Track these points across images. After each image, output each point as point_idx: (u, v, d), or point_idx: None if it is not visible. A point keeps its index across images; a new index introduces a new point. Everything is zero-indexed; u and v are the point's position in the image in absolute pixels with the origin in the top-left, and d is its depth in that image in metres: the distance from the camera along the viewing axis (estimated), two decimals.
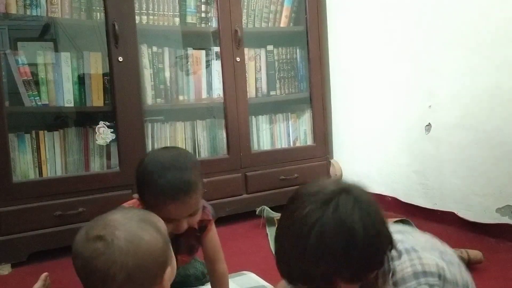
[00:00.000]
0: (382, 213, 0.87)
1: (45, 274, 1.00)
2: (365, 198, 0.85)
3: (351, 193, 0.84)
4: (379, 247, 0.85)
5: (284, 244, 0.86)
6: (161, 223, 0.86)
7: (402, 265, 0.90)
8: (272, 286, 1.40)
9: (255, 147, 2.46)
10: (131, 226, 0.79)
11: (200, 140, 2.33)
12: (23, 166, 1.91)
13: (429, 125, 2.13)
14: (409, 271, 0.88)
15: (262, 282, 1.53)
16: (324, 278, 0.83)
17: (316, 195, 0.84)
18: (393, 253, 0.91)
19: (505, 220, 1.84)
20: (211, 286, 1.33)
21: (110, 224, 0.79)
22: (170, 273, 0.84)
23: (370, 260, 0.84)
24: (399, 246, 0.91)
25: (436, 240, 1.01)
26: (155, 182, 1.11)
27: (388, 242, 0.87)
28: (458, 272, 0.95)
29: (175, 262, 0.89)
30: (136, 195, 1.20)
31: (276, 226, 0.88)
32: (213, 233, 1.33)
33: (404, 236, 0.95)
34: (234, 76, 2.32)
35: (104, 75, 2.06)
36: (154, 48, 2.21)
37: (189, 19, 2.31)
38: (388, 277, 0.90)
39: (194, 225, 1.22)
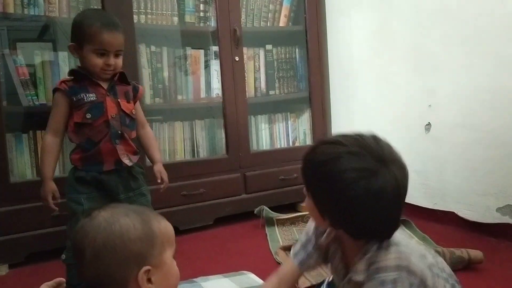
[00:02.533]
0: (402, 201, 0.91)
1: (62, 279, 0.99)
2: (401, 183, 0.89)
3: (391, 170, 0.89)
4: (383, 221, 0.90)
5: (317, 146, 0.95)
6: (154, 220, 0.84)
7: (388, 255, 0.90)
8: None
9: (254, 147, 2.45)
10: (118, 211, 0.83)
11: (199, 140, 2.32)
12: (21, 166, 1.90)
13: (429, 124, 2.13)
14: (393, 262, 0.89)
15: (261, 282, 1.51)
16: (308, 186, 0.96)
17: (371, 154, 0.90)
18: (383, 243, 0.92)
19: (506, 219, 1.83)
20: (145, 148, 1.67)
21: (106, 206, 0.84)
22: (160, 281, 0.81)
23: (340, 215, 0.91)
24: (392, 238, 0.92)
25: (429, 254, 1.02)
26: (94, 17, 1.48)
27: (393, 226, 0.91)
28: (442, 286, 0.96)
29: (176, 279, 0.87)
30: (70, 44, 1.49)
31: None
32: (139, 106, 1.68)
33: (400, 235, 0.96)
34: (233, 76, 2.31)
35: None
36: (153, 48, 2.21)
37: (188, 19, 2.30)
38: (371, 262, 0.91)
39: (118, 67, 1.51)
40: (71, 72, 1.54)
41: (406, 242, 0.96)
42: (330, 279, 1.27)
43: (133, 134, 1.59)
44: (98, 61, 1.46)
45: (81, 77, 1.50)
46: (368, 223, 0.89)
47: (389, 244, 0.92)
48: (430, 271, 0.94)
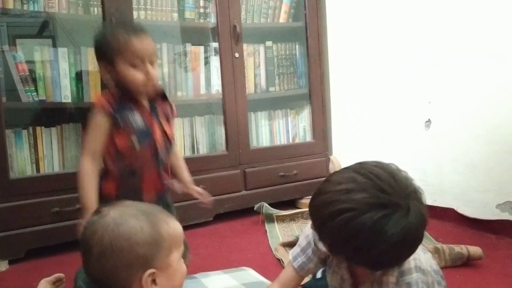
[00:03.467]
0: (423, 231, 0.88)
1: (62, 275, 0.99)
2: (411, 227, 0.85)
3: (408, 213, 0.83)
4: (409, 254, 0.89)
5: (320, 197, 0.88)
6: (163, 222, 0.83)
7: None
8: (270, 282, 1.39)
9: (254, 143, 2.45)
10: (128, 211, 0.82)
11: (199, 136, 2.32)
12: (20, 163, 1.90)
13: (429, 121, 2.13)
14: (412, 264, 0.92)
15: (261, 278, 1.52)
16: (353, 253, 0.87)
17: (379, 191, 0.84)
18: None
19: (505, 216, 1.83)
20: (174, 169, 1.49)
21: (116, 204, 0.84)
22: (165, 283, 0.82)
23: (397, 261, 0.90)
24: None
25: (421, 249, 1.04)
26: (120, 27, 1.34)
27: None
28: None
29: (181, 279, 0.87)
30: (100, 65, 1.34)
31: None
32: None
33: None
34: (232, 72, 2.31)
35: None
36: None
37: (188, 15, 2.29)
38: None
39: (156, 78, 1.33)
40: (115, 86, 1.34)
41: None
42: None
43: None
44: (139, 75, 1.28)
45: (123, 94, 1.32)
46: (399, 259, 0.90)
47: None
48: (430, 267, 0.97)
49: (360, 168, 0.89)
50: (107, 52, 1.30)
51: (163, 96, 1.41)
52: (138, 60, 1.28)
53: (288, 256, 1.20)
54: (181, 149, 2.26)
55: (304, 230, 1.17)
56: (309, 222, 1.12)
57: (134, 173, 1.33)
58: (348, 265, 1.03)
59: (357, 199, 0.83)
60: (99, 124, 1.30)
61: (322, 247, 1.06)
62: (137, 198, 1.23)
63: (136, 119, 1.32)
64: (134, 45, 1.27)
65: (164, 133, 1.38)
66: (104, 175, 1.34)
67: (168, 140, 1.40)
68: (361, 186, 0.84)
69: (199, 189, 1.48)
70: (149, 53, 1.30)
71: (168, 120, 1.41)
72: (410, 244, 0.86)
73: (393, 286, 0.93)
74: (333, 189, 0.87)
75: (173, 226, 0.85)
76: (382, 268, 0.92)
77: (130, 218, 0.81)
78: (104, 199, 1.30)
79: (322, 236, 0.92)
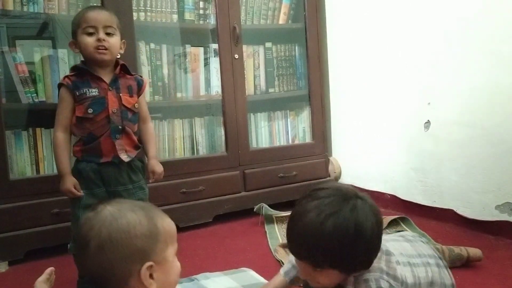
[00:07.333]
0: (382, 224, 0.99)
1: (50, 268, 1.00)
2: (376, 208, 0.97)
3: (366, 200, 0.96)
4: (375, 250, 0.96)
5: (298, 224, 0.99)
6: (158, 217, 0.85)
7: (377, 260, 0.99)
8: None
9: (253, 144, 2.45)
10: (124, 205, 0.84)
11: (198, 137, 2.32)
12: (20, 164, 1.90)
13: (428, 122, 2.13)
14: (377, 265, 0.98)
15: (261, 279, 1.52)
16: (322, 262, 0.94)
17: (337, 190, 0.97)
18: None
19: (504, 217, 1.83)
20: (143, 143, 1.64)
21: (112, 200, 0.85)
22: (161, 278, 0.82)
23: (365, 259, 0.95)
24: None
25: (407, 243, 1.11)
26: (84, 8, 1.57)
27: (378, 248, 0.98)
28: (424, 272, 1.04)
29: (176, 276, 0.88)
30: (70, 41, 1.53)
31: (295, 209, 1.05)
32: (145, 99, 1.69)
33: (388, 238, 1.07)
34: (232, 74, 2.31)
35: None
36: (152, 45, 2.20)
37: (187, 16, 2.30)
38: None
39: (113, 47, 1.49)
40: (73, 68, 1.53)
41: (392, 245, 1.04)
42: None
43: (136, 128, 1.60)
44: (89, 40, 1.46)
45: (84, 72, 1.50)
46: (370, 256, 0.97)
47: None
48: (410, 267, 1.01)
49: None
50: (73, 29, 1.50)
51: (126, 71, 1.57)
52: (91, 29, 1.46)
53: (288, 258, 1.21)
54: (181, 150, 2.27)
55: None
56: None
57: (94, 138, 1.49)
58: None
59: (329, 202, 0.96)
60: (63, 98, 1.49)
61: None
62: (97, 158, 1.49)
63: (92, 91, 1.48)
64: (88, 15, 1.47)
65: (123, 105, 1.52)
66: (76, 141, 1.53)
67: (129, 110, 1.54)
68: (321, 194, 0.99)
69: (156, 168, 1.63)
70: (101, 22, 1.47)
71: (130, 92, 1.56)
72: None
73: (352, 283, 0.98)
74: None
75: (168, 222, 0.87)
76: (354, 268, 0.97)
77: (127, 212, 0.82)
78: (76, 159, 1.52)
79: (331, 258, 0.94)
